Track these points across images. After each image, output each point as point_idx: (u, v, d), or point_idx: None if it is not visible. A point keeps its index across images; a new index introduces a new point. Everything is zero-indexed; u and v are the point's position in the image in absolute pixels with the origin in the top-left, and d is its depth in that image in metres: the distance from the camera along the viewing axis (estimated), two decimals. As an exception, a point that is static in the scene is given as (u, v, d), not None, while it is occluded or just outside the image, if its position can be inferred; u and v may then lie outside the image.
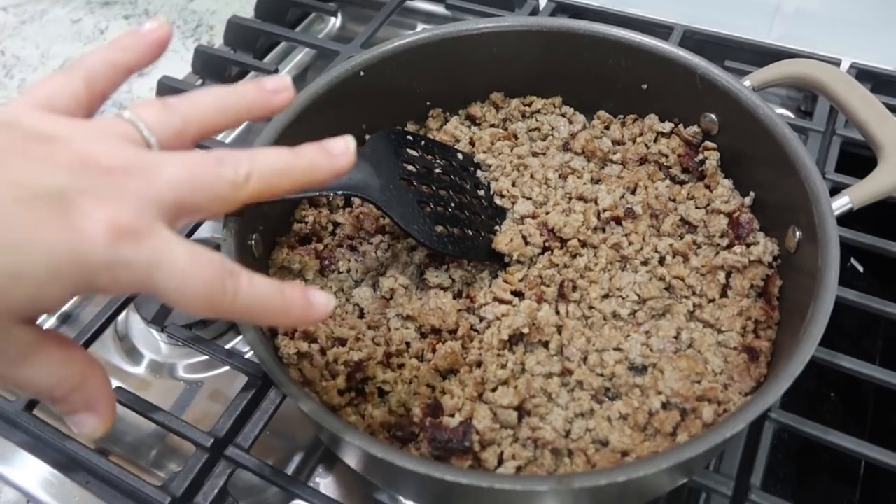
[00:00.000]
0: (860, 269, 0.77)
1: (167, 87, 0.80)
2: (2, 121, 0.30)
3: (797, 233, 0.50)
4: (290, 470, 0.55)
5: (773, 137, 0.52)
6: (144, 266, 0.28)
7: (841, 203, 0.49)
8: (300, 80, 0.91)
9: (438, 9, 0.94)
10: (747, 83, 0.56)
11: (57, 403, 0.32)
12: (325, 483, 0.55)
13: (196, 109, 0.33)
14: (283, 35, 0.88)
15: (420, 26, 0.96)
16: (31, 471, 0.54)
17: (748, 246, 0.54)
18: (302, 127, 0.53)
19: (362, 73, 0.58)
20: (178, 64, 0.91)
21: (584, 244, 0.55)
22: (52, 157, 0.28)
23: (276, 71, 0.85)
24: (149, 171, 0.30)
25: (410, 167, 0.54)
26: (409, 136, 0.57)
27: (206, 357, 0.62)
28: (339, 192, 0.48)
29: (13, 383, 0.30)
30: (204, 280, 0.29)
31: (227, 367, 0.60)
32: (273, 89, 0.36)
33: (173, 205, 0.30)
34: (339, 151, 0.35)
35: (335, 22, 0.99)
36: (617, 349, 0.50)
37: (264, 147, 0.33)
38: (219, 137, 0.77)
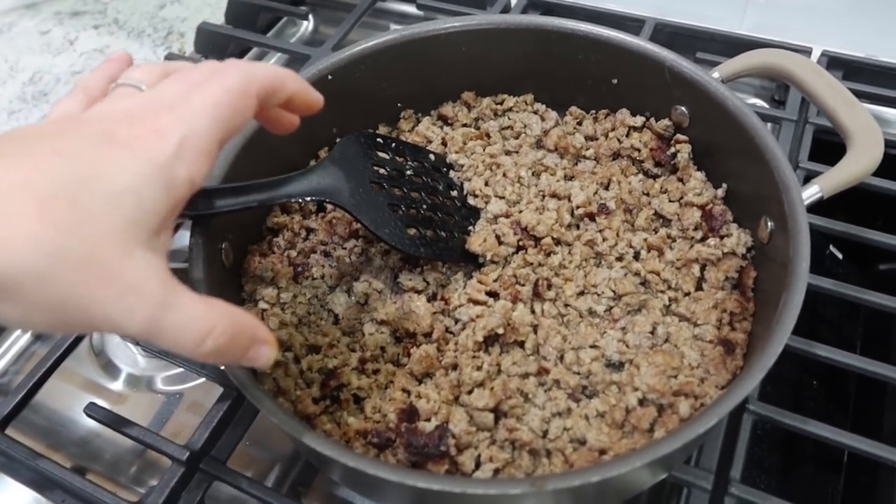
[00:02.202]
0: (839, 256, 0.77)
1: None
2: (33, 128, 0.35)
3: (769, 223, 0.50)
4: (269, 481, 0.55)
5: (743, 128, 0.51)
6: (183, 129, 0.34)
7: (811, 192, 0.48)
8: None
9: (410, 9, 0.94)
10: (716, 75, 0.56)
11: (227, 352, 0.34)
12: (305, 494, 0.55)
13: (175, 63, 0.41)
14: (254, 40, 0.88)
15: (392, 27, 0.95)
16: (6, 491, 0.54)
17: (722, 238, 0.53)
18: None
19: (330, 77, 0.58)
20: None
21: (558, 242, 0.55)
22: (85, 124, 0.35)
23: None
24: (153, 105, 0.36)
25: (381, 170, 0.54)
26: (379, 139, 0.57)
27: (183, 368, 0.61)
28: (308, 199, 0.47)
29: (172, 335, 0.32)
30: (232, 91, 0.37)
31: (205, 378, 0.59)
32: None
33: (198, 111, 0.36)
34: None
35: (307, 25, 0.98)
36: (593, 346, 0.50)
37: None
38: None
